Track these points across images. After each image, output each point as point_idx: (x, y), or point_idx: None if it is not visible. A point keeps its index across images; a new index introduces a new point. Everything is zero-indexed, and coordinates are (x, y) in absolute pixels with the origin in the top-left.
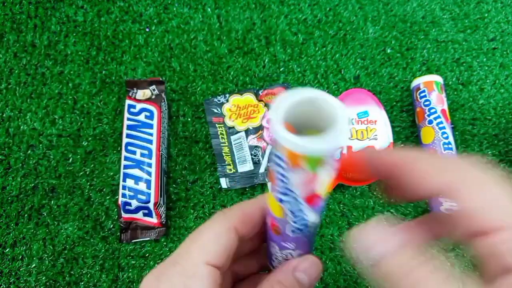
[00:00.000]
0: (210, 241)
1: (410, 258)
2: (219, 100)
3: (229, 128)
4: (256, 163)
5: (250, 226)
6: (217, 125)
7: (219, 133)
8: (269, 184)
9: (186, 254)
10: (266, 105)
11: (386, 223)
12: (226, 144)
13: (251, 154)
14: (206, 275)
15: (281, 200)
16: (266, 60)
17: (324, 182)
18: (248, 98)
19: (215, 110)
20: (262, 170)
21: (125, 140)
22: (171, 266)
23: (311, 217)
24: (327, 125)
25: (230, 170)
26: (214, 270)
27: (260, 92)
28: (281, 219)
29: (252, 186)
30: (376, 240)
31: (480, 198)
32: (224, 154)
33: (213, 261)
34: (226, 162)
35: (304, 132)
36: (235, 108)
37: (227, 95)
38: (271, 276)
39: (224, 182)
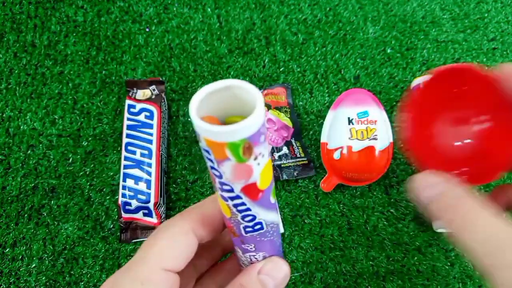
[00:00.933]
0: (167, 246)
1: (463, 192)
2: None
3: None
4: None
5: (210, 228)
6: None
7: None
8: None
9: (142, 260)
10: (266, 105)
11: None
12: None
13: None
14: (162, 282)
15: (223, 197)
16: (266, 60)
17: (257, 170)
18: None
19: None
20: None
21: (125, 140)
22: (126, 273)
23: (260, 213)
24: (248, 111)
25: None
26: (171, 275)
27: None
28: (232, 219)
29: None
30: (435, 181)
31: None
32: None
33: (170, 266)
34: None
35: (232, 121)
36: None
37: None
38: (234, 279)
39: None
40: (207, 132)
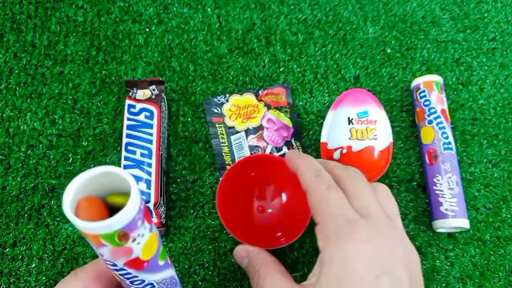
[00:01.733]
0: None
1: (262, 262)
2: (219, 100)
3: (229, 128)
4: None
5: (107, 282)
6: (217, 125)
7: (219, 133)
8: None
9: None
10: (266, 105)
11: None
12: (226, 144)
13: (251, 154)
14: None
15: (110, 267)
16: (266, 60)
17: (137, 248)
18: (248, 98)
19: (215, 110)
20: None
21: (125, 140)
22: None
23: (148, 277)
24: (127, 189)
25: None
26: None
27: (260, 92)
28: (122, 282)
29: None
30: (244, 254)
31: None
32: (224, 154)
33: None
34: (226, 162)
35: (113, 200)
36: (235, 108)
37: (227, 95)
38: None
39: None
40: (78, 227)
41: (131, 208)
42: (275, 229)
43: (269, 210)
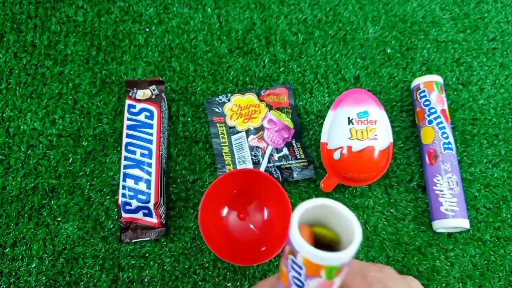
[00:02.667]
0: None
1: None
2: (220, 100)
3: (230, 127)
4: (256, 164)
5: None
6: (218, 125)
7: (219, 133)
8: (280, 284)
9: None
10: (268, 105)
11: None
12: (227, 144)
13: (251, 155)
14: None
15: None
16: (266, 60)
17: (336, 284)
18: (250, 98)
19: (217, 110)
20: (261, 170)
21: (125, 140)
22: None
23: None
24: (340, 229)
25: (230, 170)
26: None
27: (262, 92)
28: None
29: None
30: None
31: None
32: (224, 154)
33: None
34: (226, 162)
35: (319, 231)
36: (236, 108)
37: (229, 95)
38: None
39: None
40: (311, 254)
41: (357, 246)
42: (258, 244)
43: (251, 226)
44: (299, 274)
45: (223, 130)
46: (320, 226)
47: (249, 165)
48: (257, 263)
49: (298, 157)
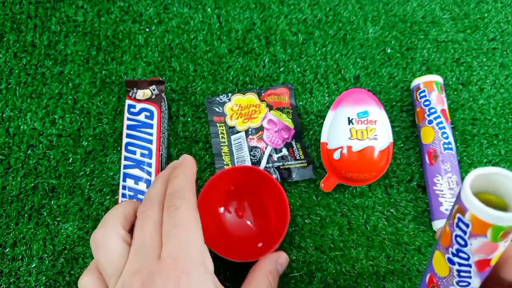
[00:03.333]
0: (204, 250)
1: None
2: (221, 99)
3: (230, 127)
4: (255, 164)
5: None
6: (218, 124)
7: (219, 132)
8: (439, 246)
9: (189, 243)
10: (268, 105)
11: None
12: (226, 143)
13: (250, 155)
14: (208, 252)
15: (451, 261)
16: (266, 60)
17: (499, 250)
18: (251, 98)
19: (217, 109)
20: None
21: (125, 140)
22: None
23: (475, 282)
24: (510, 199)
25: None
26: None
27: (262, 92)
28: (443, 278)
29: None
30: None
31: None
32: (223, 154)
33: (203, 239)
34: (225, 162)
35: (484, 198)
36: (237, 108)
37: (230, 94)
38: (261, 266)
39: None
40: (480, 211)
41: None
42: (255, 240)
43: (248, 222)
44: (464, 232)
45: (222, 130)
46: (486, 193)
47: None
48: (253, 259)
49: (298, 158)
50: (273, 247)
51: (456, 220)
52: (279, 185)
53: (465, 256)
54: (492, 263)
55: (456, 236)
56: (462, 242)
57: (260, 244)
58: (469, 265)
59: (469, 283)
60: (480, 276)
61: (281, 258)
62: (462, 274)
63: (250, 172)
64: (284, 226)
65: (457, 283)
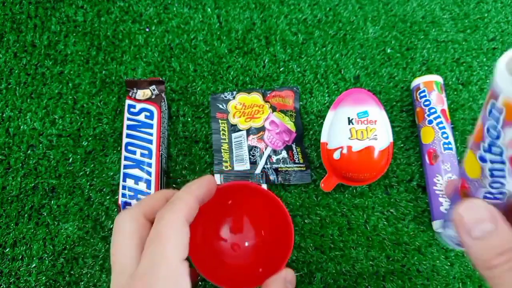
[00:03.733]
0: (178, 239)
1: (494, 248)
2: (225, 96)
3: (232, 125)
4: (253, 164)
5: (193, 216)
6: (220, 121)
7: (220, 129)
8: (471, 144)
9: (162, 259)
10: (272, 107)
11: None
12: (226, 141)
13: (249, 154)
14: (185, 271)
15: (483, 159)
16: (266, 60)
17: None
18: (255, 97)
19: (220, 106)
20: (258, 171)
21: (125, 140)
22: (155, 275)
23: (510, 184)
24: None
25: (227, 167)
26: (187, 264)
27: (267, 93)
28: (475, 181)
29: None
30: (480, 219)
31: None
32: (222, 151)
33: (185, 256)
34: (224, 159)
35: None
36: (240, 106)
37: (234, 93)
38: (271, 284)
39: (218, 179)
40: None
41: None
42: (254, 265)
43: (246, 244)
44: (497, 121)
45: (224, 127)
46: None
47: (247, 164)
48: (253, 287)
49: (297, 161)
50: (276, 272)
51: (488, 108)
52: (281, 204)
53: (498, 150)
54: None
55: (489, 127)
56: (495, 134)
57: (260, 270)
58: (503, 162)
59: (502, 184)
60: None
61: (289, 276)
62: (495, 173)
63: (251, 190)
64: (288, 249)
65: (490, 184)
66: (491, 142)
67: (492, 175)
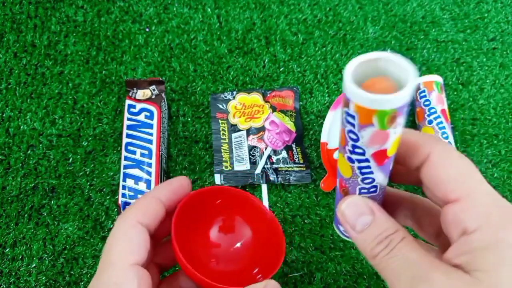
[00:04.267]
0: (124, 244)
1: (387, 230)
2: (225, 96)
3: (232, 125)
4: (253, 164)
5: (152, 217)
6: (220, 121)
7: (220, 129)
8: (340, 147)
9: (108, 263)
10: (272, 107)
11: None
12: (227, 141)
13: (249, 154)
14: (132, 277)
15: (350, 159)
16: (266, 60)
17: (392, 140)
18: (255, 97)
19: (221, 106)
20: (258, 171)
21: (125, 140)
22: (99, 280)
23: (379, 177)
24: (398, 81)
25: (226, 167)
26: (137, 268)
27: (267, 93)
28: (349, 179)
29: (245, 186)
30: (360, 212)
31: (448, 170)
32: (222, 151)
33: (134, 260)
34: (224, 159)
35: (373, 82)
36: (240, 106)
37: (234, 93)
38: None
39: (218, 179)
40: (360, 98)
41: (410, 90)
42: (249, 266)
43: (238, 245)
44: (353, 125)
45: (224, 127)
46: (374, 78)
47: (247, 164)
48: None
49: (297, 161)
50: (272, 272)
51: (344, 116)
52: (263, 208)
53: (361, 150)
54: (390, 153)
55: (348, 132)
56: (354, 137)
57: (255, 271)
58: (367, 160)
59: (373, 179)
60: (382, 170)
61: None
62: (363, 171)
63: (239, 196)
64: (281, 247)
65: (362, 181)
66: (353, 145)
67: (361, 173)
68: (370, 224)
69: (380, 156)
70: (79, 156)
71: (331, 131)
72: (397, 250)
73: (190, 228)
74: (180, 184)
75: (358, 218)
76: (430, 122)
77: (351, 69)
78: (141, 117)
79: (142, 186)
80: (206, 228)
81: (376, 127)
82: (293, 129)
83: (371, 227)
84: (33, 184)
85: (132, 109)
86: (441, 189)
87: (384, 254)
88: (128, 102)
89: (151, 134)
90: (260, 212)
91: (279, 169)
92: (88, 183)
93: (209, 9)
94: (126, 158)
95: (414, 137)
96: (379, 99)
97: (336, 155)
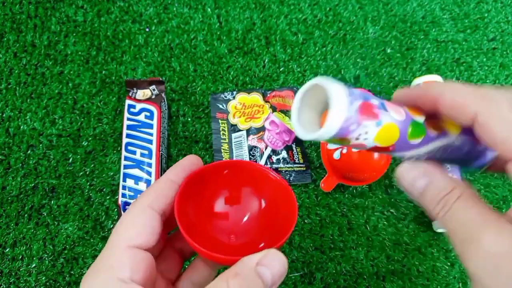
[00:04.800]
0: (128, 226)
1: (442, 190)
2: (225, 96)
3: (232, 125)
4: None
5: (164, 200)
6: (220, 121)
7: (221, 129)
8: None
9: (110, 245)
10: (272, 107)
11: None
12: (227, 141)
13: (249, 154)
14: (129, 259)
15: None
16: (266, 60)
17: (368, 141)
18: (255, 97)
19: (221, 106)
20: None
21: (125, 140)
22: (99, 261)
23: (407, 154)
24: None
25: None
26: (138, 251)
27: (267, 93)
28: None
29: None
30: (416, 176)
31: (498, 132)
32: (222, 151)
33: (135, 243)
34: (224, 159)
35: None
36: (240, 106)
37: (234, 93)
38: (230, 268)
39: None
40: (308, 137)
41: (333, 121)
42: (255, 240)
43: (245, 219)
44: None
45: (224, 127)
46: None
47: None
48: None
49: (297, 161)
50: (278, 244)
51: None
52: (284, 183)
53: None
54: (384, 144)
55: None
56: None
57: (262, 245)
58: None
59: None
60: (401, 151)
61: (267, 258)
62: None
63: (248, 167)
64: (291, 221)
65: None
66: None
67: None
68: (427, 186)
69: (380, 149)
70: (79, 156)
71: None
72: (452, 210)
73: (197, 204)
74: (191, 162)
75: (416, 181)
76: None
77: (295, 115)
78: (141, 117)
79: (142, 186)
80: (212, 201)
81: (338, 144)
82: (293, 129)
83: (429, 188)
84: (33, 184)
85: (132, 109)
86: (498, 150)
87: (443, 215)
88: (128, 102)
89: (151, 134)
90: (270, 180)
91: (279, 169)
92: (88, 183)
93: (209, 9)
94: (126, 158)
95: (456, 96)
96: (316, 135)
97: (336, 155)
